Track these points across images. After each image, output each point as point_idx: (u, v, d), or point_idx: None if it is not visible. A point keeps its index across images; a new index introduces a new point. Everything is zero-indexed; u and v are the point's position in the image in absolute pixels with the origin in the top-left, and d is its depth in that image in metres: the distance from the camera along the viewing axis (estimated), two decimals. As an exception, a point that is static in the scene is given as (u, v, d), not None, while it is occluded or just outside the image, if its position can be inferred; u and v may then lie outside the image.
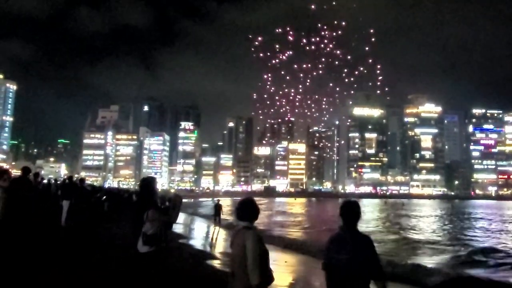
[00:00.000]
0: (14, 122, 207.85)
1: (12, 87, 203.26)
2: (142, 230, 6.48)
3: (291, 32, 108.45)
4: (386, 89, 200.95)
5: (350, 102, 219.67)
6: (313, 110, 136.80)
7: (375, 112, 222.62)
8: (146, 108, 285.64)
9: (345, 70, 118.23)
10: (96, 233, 15.76)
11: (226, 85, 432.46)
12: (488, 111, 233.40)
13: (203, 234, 27.83)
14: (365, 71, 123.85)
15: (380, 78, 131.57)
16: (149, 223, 6.46)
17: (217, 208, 25.82)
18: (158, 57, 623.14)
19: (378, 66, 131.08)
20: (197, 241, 21.93)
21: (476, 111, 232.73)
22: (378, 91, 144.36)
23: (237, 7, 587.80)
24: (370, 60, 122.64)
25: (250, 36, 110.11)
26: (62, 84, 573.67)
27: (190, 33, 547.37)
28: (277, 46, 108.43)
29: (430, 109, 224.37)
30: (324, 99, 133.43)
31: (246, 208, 4.55)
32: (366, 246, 4.37)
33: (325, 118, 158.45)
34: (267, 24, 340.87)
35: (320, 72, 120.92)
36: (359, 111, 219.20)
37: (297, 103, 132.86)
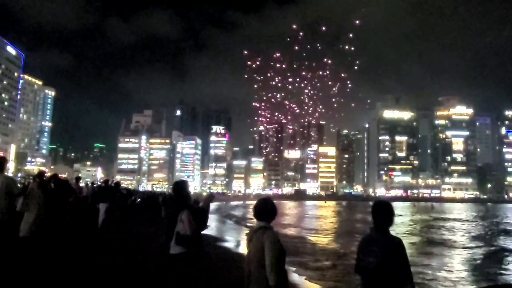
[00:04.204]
0: (52, 127, 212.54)
1: (51, 93, 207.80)
2: (176, 230, 6.54)
3: (284, 60, 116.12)
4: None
5: (380, 105, 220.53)
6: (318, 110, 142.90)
7: (405, 115, 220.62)
8: (178, 112, 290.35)
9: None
10: (131, 234, 16.64)
11: (255, 89, 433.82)
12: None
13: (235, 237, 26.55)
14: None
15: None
16: (182, 224, 6.52)
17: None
18: (188, 63, 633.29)
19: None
20: (231, 244, 21.37)
21: (509, 113, 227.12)
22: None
23: (260, 17, 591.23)
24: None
25: (245, 52, 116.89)
26: (98, 90, 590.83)
27: (217, 40, 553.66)
28: (270, 71, 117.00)
29: (462, 111, 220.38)
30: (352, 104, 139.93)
31: (265, 208, 4.53)
32: (396, 250, 4.17)
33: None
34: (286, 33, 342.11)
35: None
36: (389, 113, 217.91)
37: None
